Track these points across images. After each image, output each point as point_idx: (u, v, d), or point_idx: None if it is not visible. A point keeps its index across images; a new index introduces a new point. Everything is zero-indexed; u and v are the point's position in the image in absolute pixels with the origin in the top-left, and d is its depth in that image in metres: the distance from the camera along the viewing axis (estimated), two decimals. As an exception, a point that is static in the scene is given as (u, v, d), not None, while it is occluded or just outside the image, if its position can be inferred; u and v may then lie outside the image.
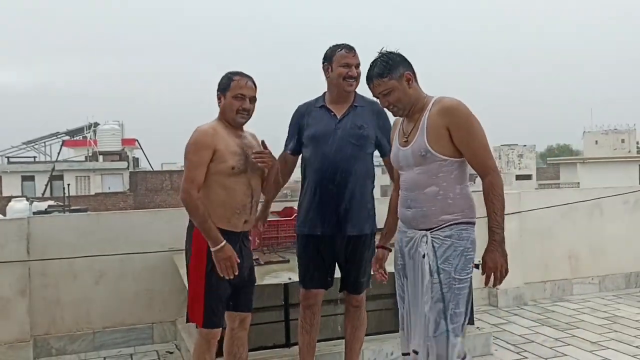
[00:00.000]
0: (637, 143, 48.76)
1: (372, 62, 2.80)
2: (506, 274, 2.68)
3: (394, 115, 2.90)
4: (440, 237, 2.71)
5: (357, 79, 3.42)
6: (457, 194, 2.73)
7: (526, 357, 4.31)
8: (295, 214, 4.70)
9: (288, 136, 3.60)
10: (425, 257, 2.72)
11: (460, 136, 2.67)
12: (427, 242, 2.73)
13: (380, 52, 2.80)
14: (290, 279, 3.90)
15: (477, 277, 4.65)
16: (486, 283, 2.71)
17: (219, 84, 3.14)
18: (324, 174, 3.40)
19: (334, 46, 3.46)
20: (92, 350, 4.70)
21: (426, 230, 2.75)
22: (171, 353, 4.64)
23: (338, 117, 3.44)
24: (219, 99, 3.13)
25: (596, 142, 46.54)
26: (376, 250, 3.19)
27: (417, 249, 2.78)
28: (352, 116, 3.45)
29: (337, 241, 3.44)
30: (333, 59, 3.42)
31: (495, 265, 2.66)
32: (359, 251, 3.48)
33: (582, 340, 4.66)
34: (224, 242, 2.95)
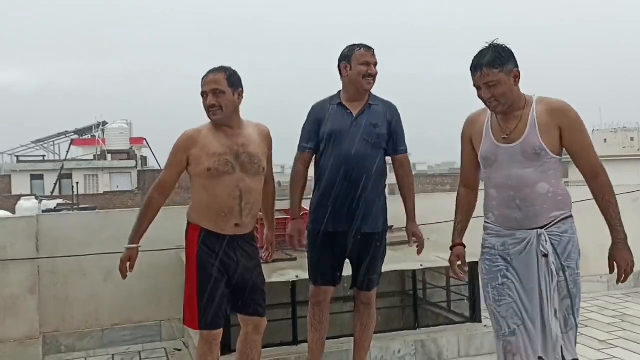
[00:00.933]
0: (647, 141, 48.46)
1: (483, 51, 2.67)
2: (633, 270, 2.70)
3: (491, 109, 2.74)
4: (557, 234, 2.69)
5: (374, 77, 3.46)
6: (563, 189, 2.75)
7: None
8: (304, 212, 4.72)
9: (305, 135, 3.57)
10: (549, 256, 2.65)
11: (573, 137, 2.67)
12: (546, 240, 2.67)
13: (490, 43, 2.68)
14: (297, 276, 3.92)
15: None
16: (618, 280, 2.70)
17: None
18: (339, 171, 3.42)
19: (351, 45, 3.50)
20: (100, 348, 4.73)
21: (538, 228, 2.69)
22: (179, 350, 4.66)
23: (354, 115, 3.47)
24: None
25: (605, 140, 46.32)
26: (451, 249, 3.01)
27: (532, 249, 2.68)
28: (368, 114, 3.48)
29: (350, 238, 3.45)
30: (352, 57, 3.46)
31: (626, 263, 2.67)
32: (372, 248, 3.50)
33: (590, 338, 4.64)
34: (134, 246, 3.04)
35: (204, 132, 3.05)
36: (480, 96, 2.72)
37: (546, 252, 2.65)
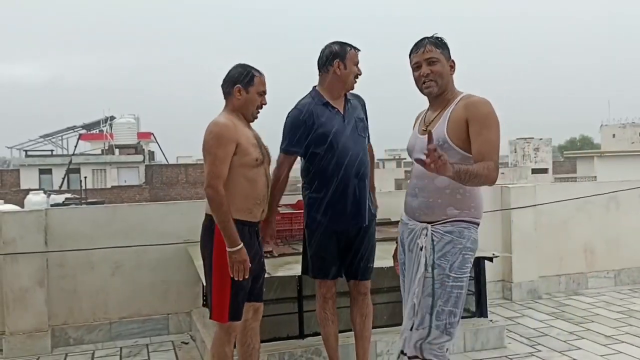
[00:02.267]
0: (656, 136, 48.11)
1: (424, 37, 2.81)
2: (441, 168, 2.30)
3: (424, 89, 2.79)
4: (441, 232, 2.66)
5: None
6: (467, 190, 2.67)
7: (540, 351, 4.30)
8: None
9: (291, 138, 3.48)
10: (423, 250, 2.67)
11: (473, 129, 2.62)
12: (426, 234, 2.68)
13: (434, 34, 2.82)
14: (302, 272, 3.92)
15: (492, 269, 4.65)
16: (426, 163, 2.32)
17: (239, 77, 3.12)
18: (346, 168, 3.42)
19: (342, 44, 3.49)
20: (108, 340, 4.77)
21: (428, 223, 2.71)
22: (186, 344, 4.69)
23: (342, 113, 3.51)
24: (238, 91, 3.11)
25: (613, 135, 46.03)
26: (396, 244, 3.13)
27: (415, 241, 2.74)
28: (352, 110, 3.55)
29: (357, 230, 3.50)
30: (346, 57, 3.46)
31: (439, 155, 2.28)
32: (370, 236, 3.58)
33: (596, 334, 4.64)
34: (242, 244, 2.97)
35: (237, 123, 3.09)
36: (417, 77, 2.79)
37: (422, 246, 2.68)
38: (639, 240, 6.32)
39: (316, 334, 4.13)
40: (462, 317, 4.45)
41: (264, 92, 3.19)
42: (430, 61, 2.75)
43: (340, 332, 3.92)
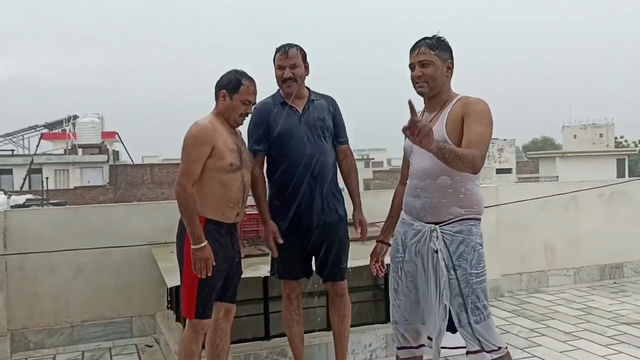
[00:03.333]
0: (615, 137, 49.46)
1: (425, 37, 2.81)
2: (425, 139, 2.31)
3: (417, 91, 2.83)
4: (451, 233, 2.71)
5: (295, 79, 3.44)
6: (469, 189, 2.73)
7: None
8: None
9: (255, 138, 3.52)
10: (439, 252, 2.70)
11: (467, 123, 2.65)
12: (437, 237, 2.72)
13: (438, 35, 2.82)
14: (270, 272, 3.92)
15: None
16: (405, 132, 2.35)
17: (226, 82, 3.15)
18: (301, 168, 3.43)
19: (276, 48, 3.48)
20: (70, 344, 4.68)
21: (434, 224, 2.74)
22: (150, 347, 4.64)
23: (300, 112, 3.50)
24: (222, 96, 3.15)
25: (575, 136, 47.11)
26: (376, 243, 3.18)
27: (426, 243, 2.75)
28: (312, 110, 3.53)
29: (317, 230, 3.49)
30: (274, 61, 3.49)
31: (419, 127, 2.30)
32: (337, 236, 3.56)
33: (556, 330, 4.75)
34: (206, 242, 3.00)
35: (218, 127, 3.10)
36: (411, 78, 2.83)
37: (436, 249, 2.71)
38: (598, 239, 6.50)
39: (282, 335, 4.13)
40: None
41: (249, 102, 3.17)
42: (423, 63, 2.76)
43: (307, 332, 3.93)
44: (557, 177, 35.94)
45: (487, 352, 2.71)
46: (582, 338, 4.54)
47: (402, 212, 2.95)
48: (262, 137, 3.51)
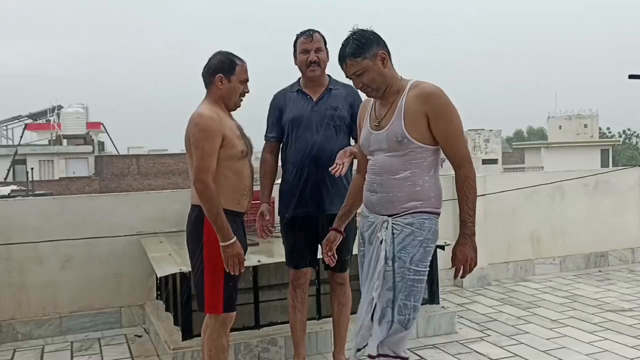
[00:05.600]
0: (600, 128, 49.89)
1: (344, 41, 2.64)
2: (474, 266, 2.65)
3: (368, 96, 2.77)
4: (401, 224, 2.62)
5: (319, 63, 3.46)
6: (426, 181, 2.65)
7: (489, 335, 4.43)
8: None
9: (269, 125, 3.63)
10: (383, 242, 2.63)
11: (438, 124, 2.58)
12: (387, 227, 2.64)
13: (352, 31, 2.65)
14: (259, 261, 3.93)
15: (444, 257, 4.73)
16: (455, 275, 2.67)
17: (220, 66, 3.04)
18: (305, 156, 3.47)
19: (298, 34, 3.51)
20: (59, 335, 4.67)
21: (388, 216, 2.67)
22: (139, 337, 4.63)
23: (314, 100, 3.50)
24: (219, 81, 3.03)
25: (560, 127, 47.45)
26: (329, 232, 3.10)
27: (375, 234, 2.70)
28: (328, 99, 3.53)
29: (321, 221, 3.50)
30: (296, 46, 3.50)
31: (465, 259, 2.61)
32: (345, 229, 3.54)
33: (542, 318, 4.81)
34: (235, 238, 2.93)
35: (221, 115, 3.02)
36: (354, 86, 2.73)
37: (382, 239, 2.64)
38: (583, 228, 6.58)
39: (272, 323, 4.15)
40: (415, 305, 4.58)
41: (247, 80, 3.10)
42: (357, 74, 2.64)
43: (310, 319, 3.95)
44: (542, 167, 36.23)
45: (397, 357, 2.63)
46: (568, 325, 4.60)
47: (362, 206, 2.88)
48: (274, 124, 3.58)
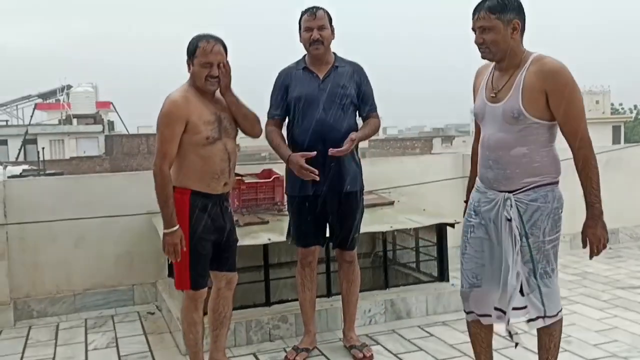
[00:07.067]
0: (612, 104, 49.33)
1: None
2: (605, 246, 2.68)
3: (482, 57, 2.69)
4: (525, 201, 2.65)
5: (322, 41, 3.43)
6: (544, 156, 2.66)
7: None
8: (275, 176, 4.76)
9: (273, 103, 3.59)
10: (513, 221, 2.65)
11: (558, 103, 2.55)
12: (511, 205, 2.65)
13: None
14: (269, 239, 3.97)
15: (454, 235, 4.74)
16: (590, 256, 2.71)
17: (187, 49, 3.06)
18: (312, 134, 3.45)
19: (302, 10, 3.48)
20: (73, 312, 4.74)
21: (508, 192, 2.67)
22: (152, 314, 4.70)
23: (320, 78, 3.48)
24: (187, 65, 3.06)
25: (571, 103, 46.96)
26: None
27: (499, 211, 2.69)
28: (334, 76, 3.50)
29: (329, 200, 3.51)
30: (300, 24, 3.48)
31: (598, 239, 2.64)
32: (350, 208, 3.58)
33: (552, 295, 4.81)
34: (177, 227, 2.96)
35: (192, 99, 3.01)
36: (474, 41, 2.67)
37: (509, 217, 2.66)
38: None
39: (282, 301, 4.20)
40: (424, 282, 4.62)
41: (209, 63, 2.97)
42: (483, 29, 2.60)
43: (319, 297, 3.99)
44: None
45: (546, 317, 2.75)
46: (578, 302, 4.62)
47: (477, 179, 2.86)
48: (279, 102, 3.55)
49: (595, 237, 2.65)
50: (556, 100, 2.55)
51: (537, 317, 2.76)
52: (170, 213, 2.96)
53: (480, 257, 2.80)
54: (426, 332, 4.09)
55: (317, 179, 3.35)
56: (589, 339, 3.87)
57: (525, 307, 2.76)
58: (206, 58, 2.99)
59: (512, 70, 2.63)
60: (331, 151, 3.33)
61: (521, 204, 2.66)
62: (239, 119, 3.18)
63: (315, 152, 3.38)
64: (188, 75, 3.10)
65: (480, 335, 2.93)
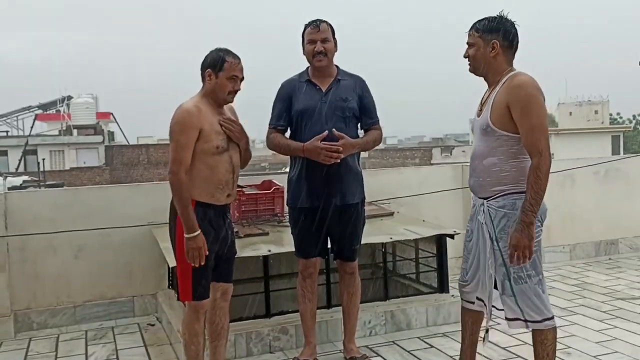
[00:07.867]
0: (610, 114, 49.42)
1: (487, 16, 2.92)
2: (530, 256, 2.77)
3: (468, 70, 3.00)
4: (495, 207, 2.87)
5: (326, 53, 3.46)
6: (513, 166, 2.84)
7: (499, 323, 4.42)
8: (275, 187, 4.78)
9: (275, 113, 3.60)
10: (484, 225, 2.91)
11: (517, 116, 2.75)
12: (484, 210, 2.91)
13: (500, 14, 2.91)
14: (269, 250, 3.97)
15: (453, 246, 4.75)
16: (510, 261, 2.81)
17: (210, 62, 3.13)
18: None
19: (306, 24, 3.52)
20: (73, 324, 4.74)
21: (483, 199, 2.93)
22: (152, 325, 4.70)
23: (323, 91, 3.51)
24: (208, 76, 3.13)
25: (570, 113, 47.04)
26: None
27: (476, 216, 2.98)
28: (336, 89, 3.53)
29: (330, 212, 3.52)
30: (303, 36, 3.51)
31: (518, 245, 2.75)
32: (351, 220, 3.59)
33: (552, 306, 4.75)
34: (199, 231, 3.01)
35: (204, 109, 3.09)
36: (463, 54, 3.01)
37: (482, 221, 2.93)
38: (593, 215, 6.55)
39: (282, 312, 4.20)
40: (424, 293, 4.62)
41: (236, 77, 3.14)
42: (468, 44, 2.93)
43: (320, 308, 3.99)
44: (553, 154, 35.96)
45: (528, 321, 2.89)
46: (577, 313, 4.62)
47: None
48: (283, 113, 3.57)
49: (516, 241, 2.75)
50: (515, 113, 2.76)
51: (515, 319, 2.92)
52: (191, 218, 3.00)
53: (471, 257, 3.08)
54: (426, 343, 4.09)
55: (342, 156, 3.36)
56: (589, 350, 3.86)
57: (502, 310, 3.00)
58: (234, 72, 3.13)
59: (493, 87, 2.90)
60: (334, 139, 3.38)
61: (492, 209, 2.89)
62: (241, 149, 3.27)
63: (327, 132, 3.39)
64: (196, 84, 3.19)
65: (468, 323, 3.20)
